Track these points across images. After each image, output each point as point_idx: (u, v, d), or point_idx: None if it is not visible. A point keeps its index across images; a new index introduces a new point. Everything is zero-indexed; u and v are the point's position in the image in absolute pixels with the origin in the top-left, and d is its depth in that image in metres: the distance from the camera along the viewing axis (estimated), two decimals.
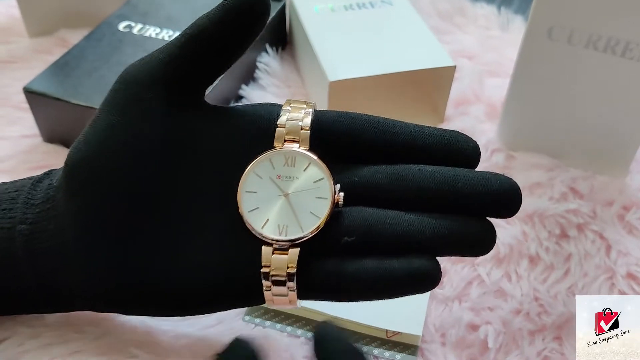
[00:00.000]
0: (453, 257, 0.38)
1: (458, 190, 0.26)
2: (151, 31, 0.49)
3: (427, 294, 0.35)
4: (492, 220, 0.28)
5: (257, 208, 0.27)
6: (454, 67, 0.46)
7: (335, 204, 0.27)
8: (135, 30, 0.49)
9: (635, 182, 0.44)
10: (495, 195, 0.27)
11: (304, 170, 0.27)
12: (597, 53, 0.40)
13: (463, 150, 0.28)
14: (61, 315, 0.33)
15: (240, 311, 0.35)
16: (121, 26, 0.50)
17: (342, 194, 0.27)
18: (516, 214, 0.41)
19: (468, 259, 0.39)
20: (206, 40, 0.28)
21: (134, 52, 0.47)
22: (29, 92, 0.44)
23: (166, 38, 0.49)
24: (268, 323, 0.34)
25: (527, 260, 0.39)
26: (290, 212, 0.27)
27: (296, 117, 0.28)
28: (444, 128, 0.29)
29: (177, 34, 0.49)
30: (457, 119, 0.49)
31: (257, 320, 0.34)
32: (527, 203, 0.42)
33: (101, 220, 0.28)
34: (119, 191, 0.28)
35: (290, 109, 0.29)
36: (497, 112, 0.49)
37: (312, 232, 0.26)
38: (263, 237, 0.26)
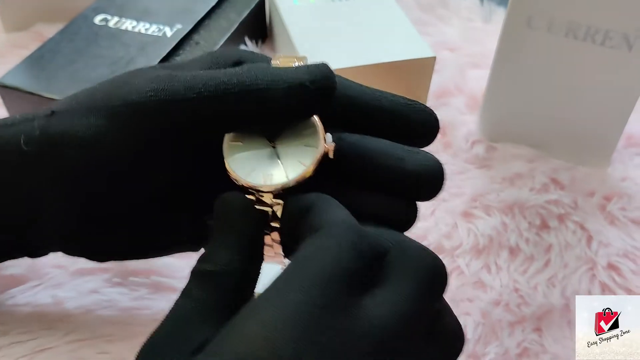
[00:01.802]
0: (432, 248, 0.38)
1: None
2: (127, 24, 0.49)
3: None
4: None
5: (243, 158, 0.26)
6: (434, 58, 0.45)
7: (325, 154, 0.25)
8: (111, 24, 0.49)
9: (617, 172, 0.44)
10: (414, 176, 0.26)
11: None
12: (576, 42, 0.40)
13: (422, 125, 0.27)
14: (31, 311, 0.33)
15: None
16: (97, 19, 0.49)
17: (333, 144, 0.25)
18: (495, 205, 0.41)
19: (447, 250, 0.38)
20: None
21: (110, 45, 0.47)
22: (2, 87, 0.43)
23: (142, 31, 0.48)
24: None
25: (507, 251, 0.38)
26: (276, 161, 0.25)
27: None
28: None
29: (153, 27, 0.48)
30: (438, 110, 0.47)
31: None
32: (507, 194, 0.41)
33: None
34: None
35: (279, 62, 0.27)
36: (479, 104, 0.48)
37: (296, 180, 0.24)
38: (247, 184, 0.25)
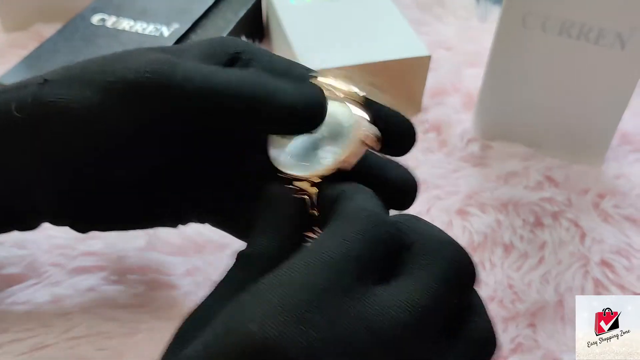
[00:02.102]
0: None
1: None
2: (125, 24, 0.49)
3: None
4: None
5: (284, 146, 0.26)
6: (429, 57, 0.46)
7: (363, 143, 0.25)
8: (108, 24, 0.49)
9: (610, 170, 0.44)
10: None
11: (342, 114, 0.26)
12: (570, 40, 0.40)
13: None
14: (30, 309, 0.33)
15: None
16: (95, 19, 0.49)
17: (373, 134, 0.25)
18: (490, 203, 0.41)
19: None
20: None
21: (107, 45, 0.47)
22: (1, 86, 0.43)
23: (140, 31, 0.48)
24: None
25: (502, 248, 0.39)
26: (316, 151, 0.26)
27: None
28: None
29: (151, 26, 0.49)
30: (434, 109, 0.49)
31: None
32: (502, 192, 0.42)
33: None
34: None
35: (323, 82, 0.26)
36: (474, 103, 0.48)
37: (331, 169, 0.25)
38: (286, 173, 0.25)
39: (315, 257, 0.20)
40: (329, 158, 0.25)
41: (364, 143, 0.25)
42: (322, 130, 0.26)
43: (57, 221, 0.30)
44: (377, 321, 0.19)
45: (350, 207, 0.22)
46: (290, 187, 0.25)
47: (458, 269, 0.21)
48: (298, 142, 0.26)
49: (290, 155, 0.26)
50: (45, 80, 0.26)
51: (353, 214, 0.21)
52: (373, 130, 0.26)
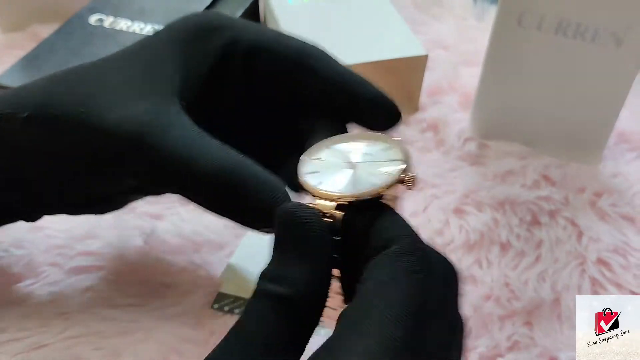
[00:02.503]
0: None
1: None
2: (122, 24, 0.49)
3: None
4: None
5: (317, 172, 0.24)
6: (426, 56, 0.46)
7: (402, 182, 0.23)
8: (106, 24, 0.49)
9: (607, 169, 0.44)
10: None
11: (382, 149, 0.25)
12: (566, 39, 0.40)
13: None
14: (27, 309, 0.33)
15: (208, 300, 0.34)
16: (92, 19, 0.49)
17: (413, 175, 0.23)
18: (487, 201, 0.41)
19: (439, 246, 0.38)
20: None
21: (105, 45, 0.47)
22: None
23: (137, 31, 0.48)
24: (237, 311, 0.34)
25: (498, 246, 0.39)
26: (349, 178, 0.24)
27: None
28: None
29: (148, 27, 0.49)
30: (431, 108, 0.49)
31: (226, 309, 0.34)
32: (499, 190, 0.42)
33: None
34: None
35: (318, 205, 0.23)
36: (471, 102, 0.48)
37: (363, 195, 0.22)
38: (314, 190, 0.23)
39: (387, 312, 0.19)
40: (365, 186, 0.23)
41: (403, 182, 0.23)
42: (361, 156, 0.25)
43: (53, 213, 0.31)
44: None
45: (395, 242, 0.21)
46: (315, 208, 0.22)
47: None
48: (334, 166, 0.24)
49: (320, 177, 0.24)
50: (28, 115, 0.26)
51: (403, 256, 0.20)
52: (412, 170, 0.24)
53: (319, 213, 0.22)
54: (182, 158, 0.24)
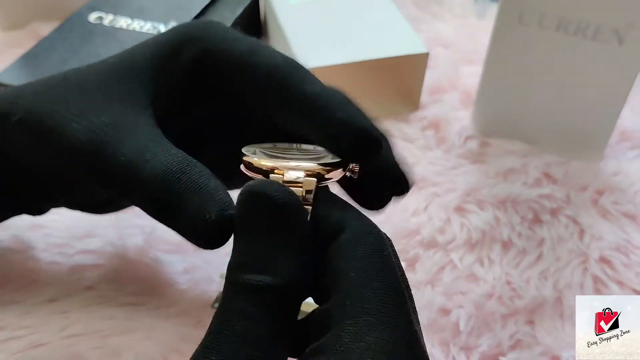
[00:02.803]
0: (425, 242, 0.38)
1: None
2: (122, 22, 0.49)
3: None
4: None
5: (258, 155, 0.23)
6: (427, 54, 0.46)
7: (345, 167, 0.23)
8: (106, 22, 0.49)
9: (609, 166, 0.44)
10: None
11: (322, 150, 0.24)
12: (567, 37, 0.40)
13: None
14: (27, 307, 0.33)
15: (208, 300, 0.34)
16: (92, 17, 0.49)
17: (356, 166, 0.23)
18: (488, 200, 0.41)
19: (441, 244, 0.38)
20: None
21: (104, 43, 0.47)
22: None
23: (137, 29, 0.48)
24: None
25: (500, 245, 0.38)
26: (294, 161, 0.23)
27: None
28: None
29: (148, 24, 0.49)
30: (432, 106, 0.48)
31: None
32: (500, 189, 0.42)
33: None
34: None
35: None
36: (472, 100, 0.48)
37: (326, 166, 0.22)
38: (273, 165, 0.22)
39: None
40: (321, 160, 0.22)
41: (347, 170, 0.23)
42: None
43: (69, 206, 0.31)
44: None
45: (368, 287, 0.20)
46: (286, 184, 0.21)
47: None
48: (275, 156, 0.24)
49: (268, 158, 0.23)
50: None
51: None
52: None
53: (289, 189, 0.20)
54: (127, 167, 0.23)
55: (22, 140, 0.26)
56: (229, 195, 0.22)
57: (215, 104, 0.29)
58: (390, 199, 0.26)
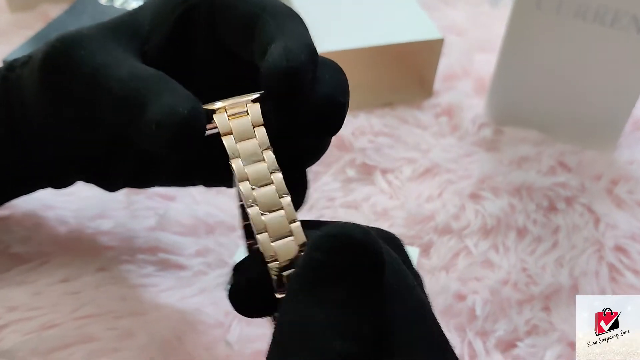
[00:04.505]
0: (440, 228, 0.38)
1: None
2: (134, 3, 0.48)
3: (415, 261, 0.35)
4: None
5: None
6: (442, 40, 0.45)
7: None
8: (117, 4, 0.48)
9: (623, 156, 0.44)
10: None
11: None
12: (585, 23, 0.40)
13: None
14: (39, 288, 0.33)
15: (222, 281, 0.34)
16: None
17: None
18: (503, 187, 0.40)
19: (455, 231, 0.38)
20: None
21: None
22: None
23: None
24: None
25: (515, 232, 0.38)
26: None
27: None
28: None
29: None
30: (445, 94, 0.48)
31: None
32: (515, 176, 0.41)
33: None
34: None
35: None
36: (486, 88, 0.48)
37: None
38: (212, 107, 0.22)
39: None
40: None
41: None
42: None
43: (89, 180, 0.31)
44: None
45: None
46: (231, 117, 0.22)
47: None
48: None
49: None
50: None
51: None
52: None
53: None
54: (99, 69, 0.24)
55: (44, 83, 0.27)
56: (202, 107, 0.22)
57: (208, 46, 0.28)
58: (325, 143, 0.26)
